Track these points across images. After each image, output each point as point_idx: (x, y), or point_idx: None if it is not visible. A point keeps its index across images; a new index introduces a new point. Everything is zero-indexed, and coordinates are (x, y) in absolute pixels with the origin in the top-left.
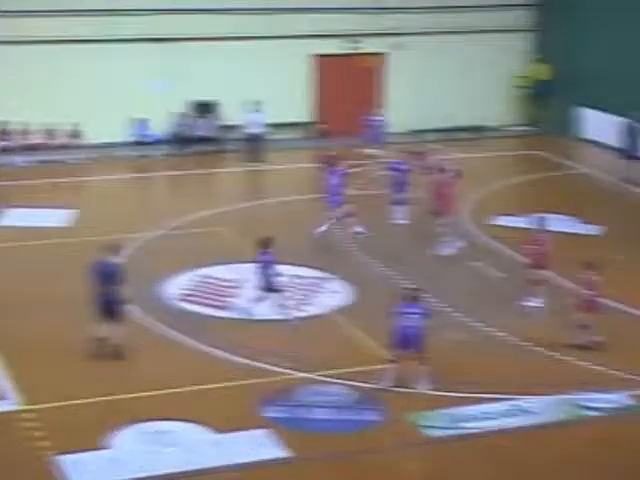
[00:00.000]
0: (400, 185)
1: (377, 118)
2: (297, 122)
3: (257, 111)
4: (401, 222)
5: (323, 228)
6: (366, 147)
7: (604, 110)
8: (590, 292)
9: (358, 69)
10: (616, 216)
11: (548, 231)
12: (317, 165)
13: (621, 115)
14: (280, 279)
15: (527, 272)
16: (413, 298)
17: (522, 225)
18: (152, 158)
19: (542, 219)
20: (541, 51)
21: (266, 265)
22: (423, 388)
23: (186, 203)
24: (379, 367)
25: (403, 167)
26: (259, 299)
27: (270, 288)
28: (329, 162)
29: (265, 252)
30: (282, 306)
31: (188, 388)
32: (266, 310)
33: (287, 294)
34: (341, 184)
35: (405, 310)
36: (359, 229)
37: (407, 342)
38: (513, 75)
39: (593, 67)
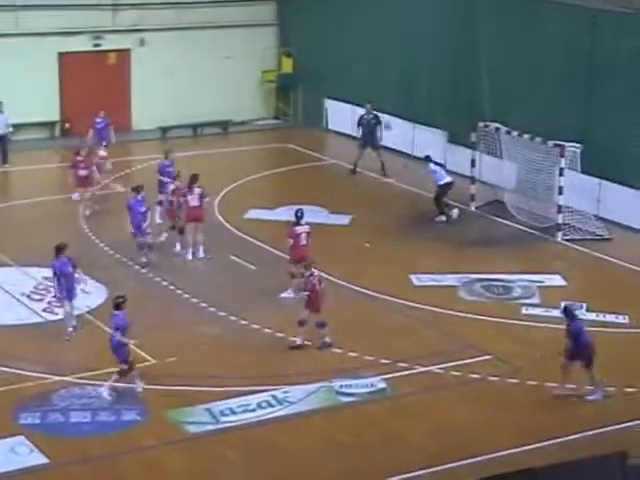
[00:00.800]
0: (163, 186)
1: (100, 119)
2: (42, 122)
3: (0, 111)
4: (161, 221)
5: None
6: (98, 147)
7: (348, 102)
8: (309, 291)
9: (102, 66)
10: (361, 205)
11: (306, 223)
12: (65, 165)
13: (361, 106)
14: (76, 285)
15: (285, 265)
16: (116, 306)
17: (274, 218)
18: None
19: (298, 211)
20: (286, 45)
21: (60, 272)
22: (105, 394)
23: None
24: (138, 366)
25: (168, 168)
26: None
27: (66, 296)
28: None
29: (58, 259)
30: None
31: None
32: (22, 315)
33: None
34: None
35: (112, 319)
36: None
37: (113, 350)
38: (260, 69)
39: (335, 60)
